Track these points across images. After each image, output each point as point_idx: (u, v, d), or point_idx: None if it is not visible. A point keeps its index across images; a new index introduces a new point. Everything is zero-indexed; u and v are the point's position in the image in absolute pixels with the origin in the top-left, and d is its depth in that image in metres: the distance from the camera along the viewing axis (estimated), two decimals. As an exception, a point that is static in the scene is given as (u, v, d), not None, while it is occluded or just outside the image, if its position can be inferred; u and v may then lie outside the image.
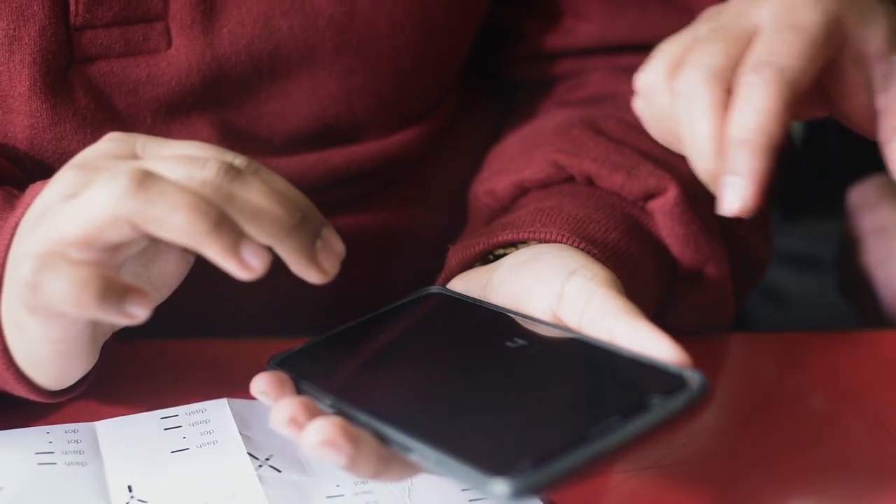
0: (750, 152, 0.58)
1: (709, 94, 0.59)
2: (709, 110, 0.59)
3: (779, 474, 0.62)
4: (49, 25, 0.68)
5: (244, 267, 0.54)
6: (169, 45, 0.71)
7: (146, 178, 0.53)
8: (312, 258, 0.56)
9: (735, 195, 0.58)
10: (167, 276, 0.60)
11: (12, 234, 0.59)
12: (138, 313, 0.54)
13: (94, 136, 0.70)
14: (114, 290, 0.53)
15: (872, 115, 0.63)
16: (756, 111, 0.58)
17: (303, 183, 0.74)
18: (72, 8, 0.69)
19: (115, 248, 0.55)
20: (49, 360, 0.59)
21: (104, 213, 0.54)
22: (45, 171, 0.70)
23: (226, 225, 0.54)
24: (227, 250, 0.54)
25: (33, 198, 0.60)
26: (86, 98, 0.70)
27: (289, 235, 0.55)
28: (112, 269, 0.56)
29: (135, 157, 0.58)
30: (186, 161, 0.55)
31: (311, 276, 0.56)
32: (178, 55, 0.71)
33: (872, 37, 0.61)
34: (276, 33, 0.72)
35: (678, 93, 0.61)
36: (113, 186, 0.53)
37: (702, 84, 0.60)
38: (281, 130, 0.75)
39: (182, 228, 0.53)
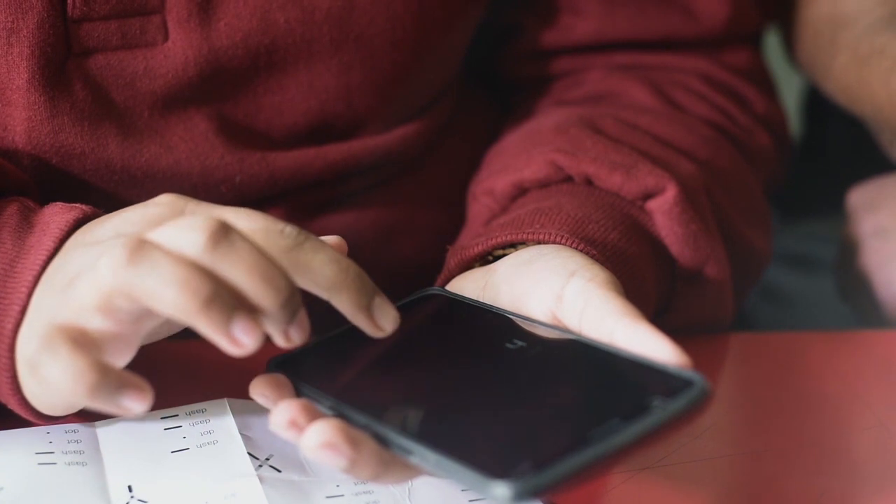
0: None
1: None
2: None
3: (779, 474, 0.62)
4: (47, 18, 0.68)
5: (234, 344, 0.53)
6: (166, 38, 0.71)
7: (139, 249, 0.52)
8: (284, 333, 0.54)
9: None
10: None
11: (42, 268, 0.58)
12: (134, 408, 0.54)
13: (92, 129, 0.70)
14: (107, 386, 0.53)
15: None
16: None
17: (300, 178, 0.75)
18: (69, 0, 0.68)
19: (138, 319, 0.54)
20: (53, 404, 0.59)
21: (106, 283, 0.53)
22: (42, 166, 0.70)
23: (217, 303, 0.52)
24: (217, 329, 0.52)
25: (60, 229, 0.59)
26: (83, 91, 0.70)
27: (266, 315, 0.53)
28: (132, 341, 0.56)
29: None
30: (177, 224, 0.54)
31: (281, 344, 0.55)
32: (175, 48, 0.71)
33: None
34: (273, 27, 0.72)
35: None
36: (112, 256, 0.53)
37: None
38: (279, 125, 0.75)
39: (172, 304, 0.52)
